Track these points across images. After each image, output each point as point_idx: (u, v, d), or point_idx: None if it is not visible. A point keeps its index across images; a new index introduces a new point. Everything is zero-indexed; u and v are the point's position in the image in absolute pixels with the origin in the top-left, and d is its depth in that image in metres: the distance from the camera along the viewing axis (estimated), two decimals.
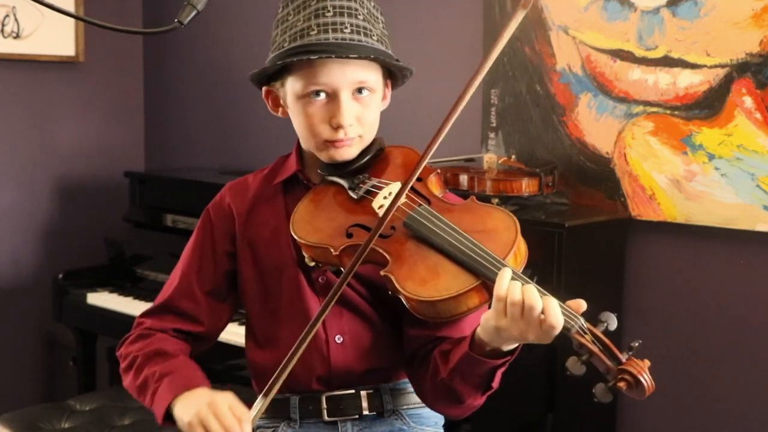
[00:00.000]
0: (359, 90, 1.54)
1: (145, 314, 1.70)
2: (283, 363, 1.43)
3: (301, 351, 1.42)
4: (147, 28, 3.68)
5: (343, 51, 1.48)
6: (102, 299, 3.12)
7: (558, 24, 2.61)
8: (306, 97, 1.54)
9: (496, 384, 1.47)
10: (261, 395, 1.44)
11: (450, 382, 1.46)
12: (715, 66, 2.34)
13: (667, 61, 2.41)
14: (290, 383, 1.61)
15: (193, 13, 1.40)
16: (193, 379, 1.52)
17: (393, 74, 1.62)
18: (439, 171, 1.59)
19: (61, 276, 3.21)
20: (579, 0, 2.55)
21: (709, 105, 2.36)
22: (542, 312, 1.30)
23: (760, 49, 2.26)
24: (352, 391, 1.60)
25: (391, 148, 1.65)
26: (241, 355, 2.62)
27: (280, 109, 1.64)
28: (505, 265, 1.35)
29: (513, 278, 1.33)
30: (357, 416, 1.60)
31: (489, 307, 1.36)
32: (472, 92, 1.48)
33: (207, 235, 1.68)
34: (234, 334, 2.64)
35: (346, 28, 1.50)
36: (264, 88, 1.64)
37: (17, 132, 3.52)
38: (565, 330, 1.30)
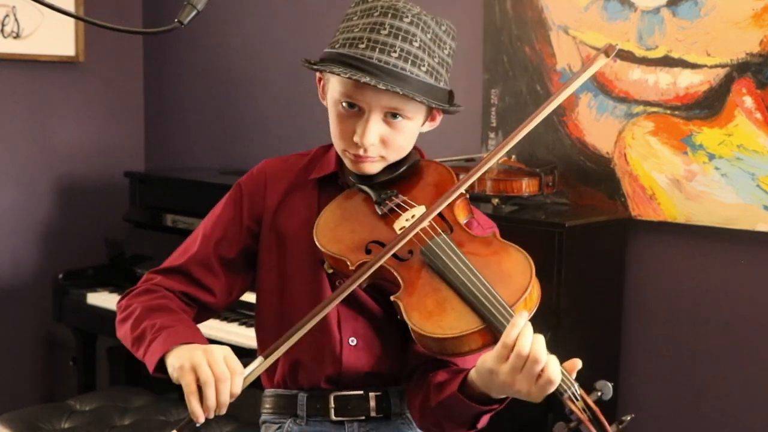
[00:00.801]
0: (394, 115, 1.51)
1: (156, 271, 1.66)
2: (293, 328, 1.41)
3: (310, 325, 1.41)
4: (147, 28, 3.67)
5: (378, 77, 1.45)
6: (102, 299, 3.12)
7: (558, 24, 2.61)
8: (340, 104, 1.53)
9: (481, 425, 1.46)
10: (261, 355, 1.41)
11: (436, 413, 1.47)
12: (716, 66, 2.33)
13: (667, 61, 2.41)
14: (298, 379, 1.62)
15: (193, 13, 1.39)
16: (192, 336, 1.48)
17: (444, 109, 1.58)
18: (467, 195, 1.56)
19: (61, 276, 3.21)
20: (579, 0, 2.55)
21: (709, 105, 2.35)
22: (542, 368, 1.29)
23: (761, 49, 2.26)
24: (361, 392, 1.60)
25: (426, 162, 1.63)
26: (242, 354, 2.63)
27: (325, 99, 1.61)
28: (513, 315, 1.33)
29: (525, 327, 1.31)
30: (364, 417, 1.60)
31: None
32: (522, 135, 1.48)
33: (237, 207, 1.66)
34: (234, 334, 2.65)
35: (394, 52, 1.46)
36: (318, 74, 1.62)
37: (17, 132, 3.52)
38: (558, 393, 1.30)
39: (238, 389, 1.38)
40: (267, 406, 1.67)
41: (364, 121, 1.50)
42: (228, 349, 1.42)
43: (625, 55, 2.48)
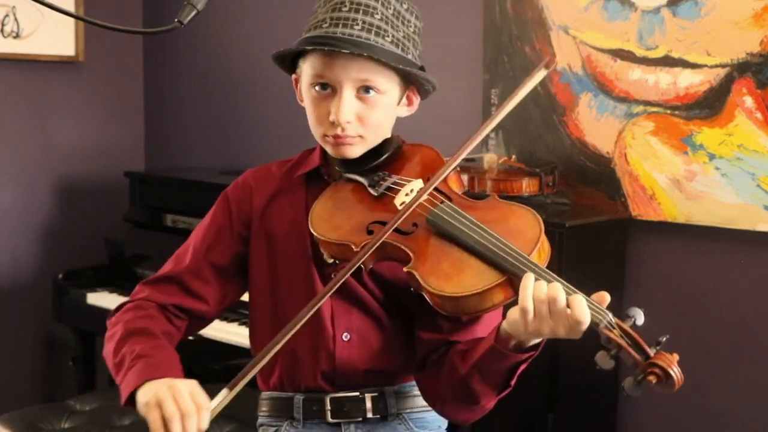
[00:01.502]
0: (366, 89, 1.52)
1: (147, 282, 1.66)
2: (260, 353, 1.41)
3: (279, 346, 1.40)
4: (147, 28, 3.67)
5: (342, 46, 1.47)
6: (102, 299, 3.12)
7: (558, 24, 2.60)
8: (313, 88, 1.54)
9: (513, 382, 1.46)
10: (227, 387, 1.40)
11: (468, 379, 1.45)
12: (716, 66, 2.33)
13: (667, 61, 2.41)
14: (295, 379, 1.61)
15: (193, 13, 1.40)
16: (166, 368, 1.48)
17: (416, 81, 1.58)
18: (459, 169, 1.58)
19: (61, 276, 3.21)
20: (579, 0, 2.55)
21: (709, 105, 2.35)
22: (569, 307, 1.30)
23: (761, 49, 2.26)
24: (357, 393, 1.60)
25: (409, 146, 1.64)
26: (242, 355, 2.63)
27: (303, 99, 1.63)
28: (530, 261, 1.35)
29: (537, 278, 1.33)
30: (361, 419, 1.60)
31: (513, 304, 1.36)
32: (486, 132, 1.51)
33: (225, 215, 1.67)
34: (234, 334, 2.65)
35: (357, 24, 1.49)
36: (293, 76, 1.64)
37: (17, 132, 3.52)
38: (594, 325, 1.31)
39: (205, 424, 1.37)
40: (263, 408, 1.68)
41: (338, 98, 1.52)
42: (195, 383, 1.42)
43: (626, 55, 2.48)
